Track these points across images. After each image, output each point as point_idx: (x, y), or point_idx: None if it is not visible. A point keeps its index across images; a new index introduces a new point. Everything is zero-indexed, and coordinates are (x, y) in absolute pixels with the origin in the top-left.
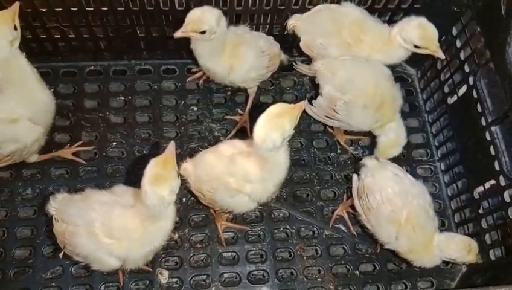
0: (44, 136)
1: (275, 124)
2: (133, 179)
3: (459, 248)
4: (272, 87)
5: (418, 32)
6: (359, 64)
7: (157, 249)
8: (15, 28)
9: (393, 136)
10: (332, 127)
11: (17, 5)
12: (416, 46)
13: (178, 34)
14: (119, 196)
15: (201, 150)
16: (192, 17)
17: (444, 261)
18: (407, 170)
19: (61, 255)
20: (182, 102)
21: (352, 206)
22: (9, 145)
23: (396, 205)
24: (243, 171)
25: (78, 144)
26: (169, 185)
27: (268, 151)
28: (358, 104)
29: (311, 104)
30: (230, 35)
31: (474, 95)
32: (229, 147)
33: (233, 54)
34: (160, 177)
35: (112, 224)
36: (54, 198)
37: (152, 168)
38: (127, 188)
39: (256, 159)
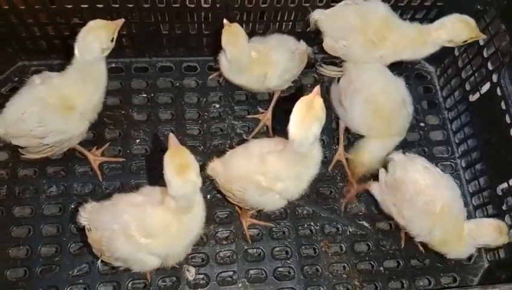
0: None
1: (311, 117)
2: (157, 176)
3: (490, 232)
4: (292, 84)
5: (468, 29)
6: (385, 73)
7: (196, 238)
8: (112, 40)
9: (366, 159)
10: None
11: (122, 20)
12: (464, 42)
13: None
14: (148, 196)
15: (224, 147)
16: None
17: (466, 257)
18: None
19: (99, 263)
20: (204, 99)
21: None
22: (57, 135)
23: (430, 196)
24: (275, 169)
25: (105, 152)
26: (195, 169)
27: (310, 146)
28: (361, 95)
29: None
30: (257, 45)
31: (498, 92)
32: (258, 146)
33: (265, 62)
34: (184, 165)
35: (147, 223)
36: (83, 208)
37: (170, 161)
38: (153, 187)
39: (292, 156)
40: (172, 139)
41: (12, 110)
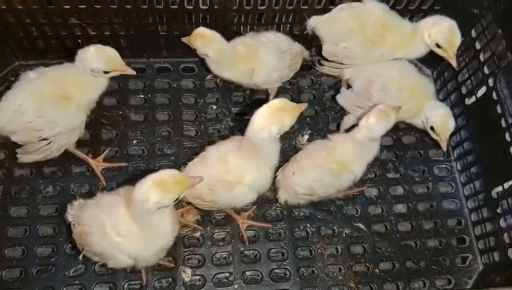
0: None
1: (277, 117)
2: None
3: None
4: (289, 86)
5: (446, 34)
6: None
7: (165, 249)
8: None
9: (442, 111)
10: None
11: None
12: (437, 46)
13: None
14: (124, 197)
15: None
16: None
17: (461, 260)
18: (423, 170)
19: (80, 257)
20: (201, 100)
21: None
22: (56, 126)
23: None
24: (235, 165)
25: (106, 158)
26: (161, 198)
27: (262, 140)
28: (393, 86)
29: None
30: (247, 40)
31: (494, 96)
32: (216, 151)
33: (253, 58)
34: (164, 185)
35: (118, 224)
36: (71, 206)
37: (168, 173)
38: (131, 187)
39: (247, 148)
40: (196, 181)
41: (8, 103)
